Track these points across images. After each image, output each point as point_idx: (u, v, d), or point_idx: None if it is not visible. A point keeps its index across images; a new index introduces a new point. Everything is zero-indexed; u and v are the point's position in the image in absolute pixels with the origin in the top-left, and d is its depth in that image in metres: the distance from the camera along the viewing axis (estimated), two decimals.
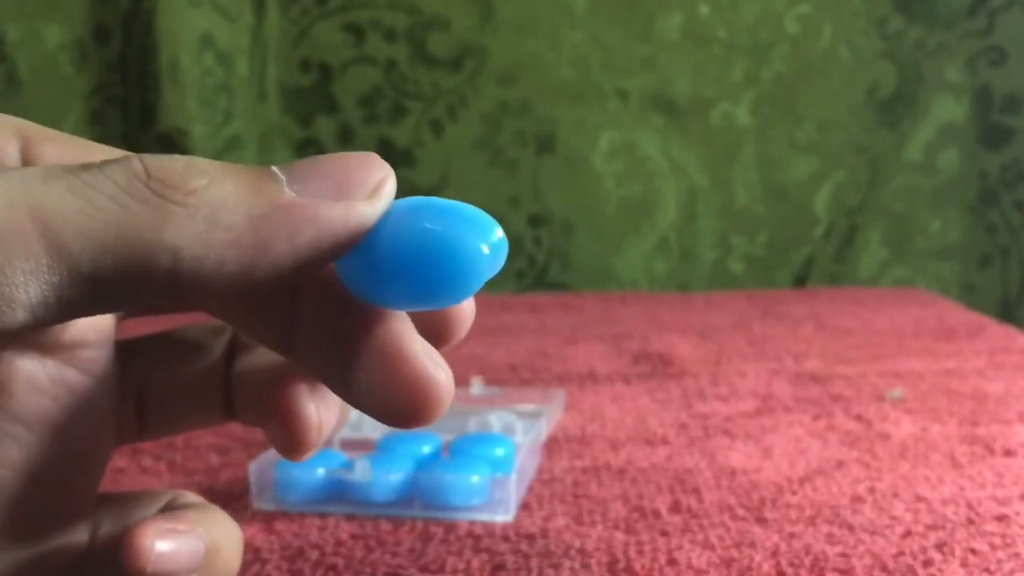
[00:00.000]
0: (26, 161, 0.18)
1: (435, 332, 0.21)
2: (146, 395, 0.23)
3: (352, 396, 0.18)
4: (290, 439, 0.21)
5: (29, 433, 0.20)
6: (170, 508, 0.23)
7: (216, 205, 0.15)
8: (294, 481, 0.35)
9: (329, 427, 0.22)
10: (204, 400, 0.23)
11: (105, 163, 0.15)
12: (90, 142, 0.19)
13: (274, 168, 0.16)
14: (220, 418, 0.23)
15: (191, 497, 0.23)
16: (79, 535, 0.22)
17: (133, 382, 0.22)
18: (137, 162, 0.15)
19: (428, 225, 0.16)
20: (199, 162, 0.16)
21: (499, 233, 0.17)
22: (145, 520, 0.20)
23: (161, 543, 0.20)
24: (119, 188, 0.15)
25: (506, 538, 0.32)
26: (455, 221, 0.16)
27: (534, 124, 0.94)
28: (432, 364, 0.17)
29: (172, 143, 0.88)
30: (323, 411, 0.21)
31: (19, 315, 0.14)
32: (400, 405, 0.17)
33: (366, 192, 0.16)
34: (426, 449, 0.38)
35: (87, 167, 0.15)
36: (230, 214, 0.15)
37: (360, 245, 0.17)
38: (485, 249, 0.16)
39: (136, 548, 0.20)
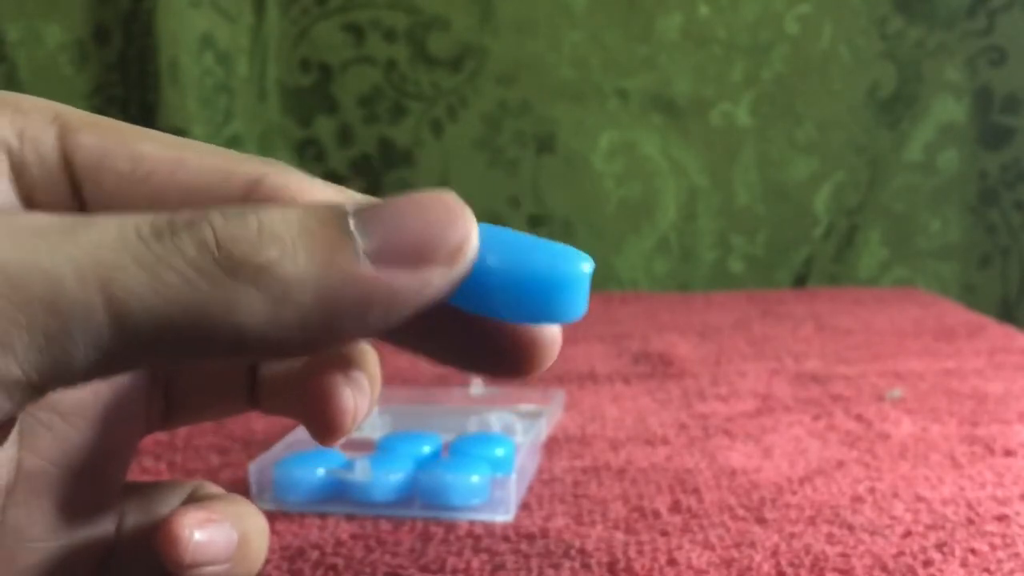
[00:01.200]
0: (63, 149, 0.18)
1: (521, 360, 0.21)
2: (174, 385, 0.23)
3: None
4: (326, 424, 0.21)
5: (64, 423, 0.20)
6: (194, 499, 0.23)
7: (287, 282, 0.14)
8: (294, 481, 0.35)
9: (363, 413, 0.22)
10: (230, 389, 0.23)
11: (176, 230, 0.14)
12: (125, 126, 0.19)
13: (350, 221, 0.15)
14: (243, 407, 0.23)
15: (213, 488, 0.23)
16: (107, 526, 0.22)
17: (162, 372, 0.23)
18: (208, 230, 0.14)
19: (530, 260, 0.17)
20: (273, 224, 0.15)
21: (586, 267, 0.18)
22: (180, 510, 0.20)
23: (199, 532, 0.20)
24: (189, 265, 0.14)
25: (506, 538, 0.32)
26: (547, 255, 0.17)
27: (534, 124, 0.94)
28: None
29: None
30: (358, 397, 0.21)
31: (76, 378, 0.14)
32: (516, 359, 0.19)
33: (447, 254, 0.16)
34: (426, 449, 0.38)
35: (158, 233, 0.14)
36: (300, 292, 0.15)
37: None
38: (585, 268, 0.17)
39: (174, 537, 0.19)
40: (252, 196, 0.18)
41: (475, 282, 0.16)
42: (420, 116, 0.94)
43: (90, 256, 0.14)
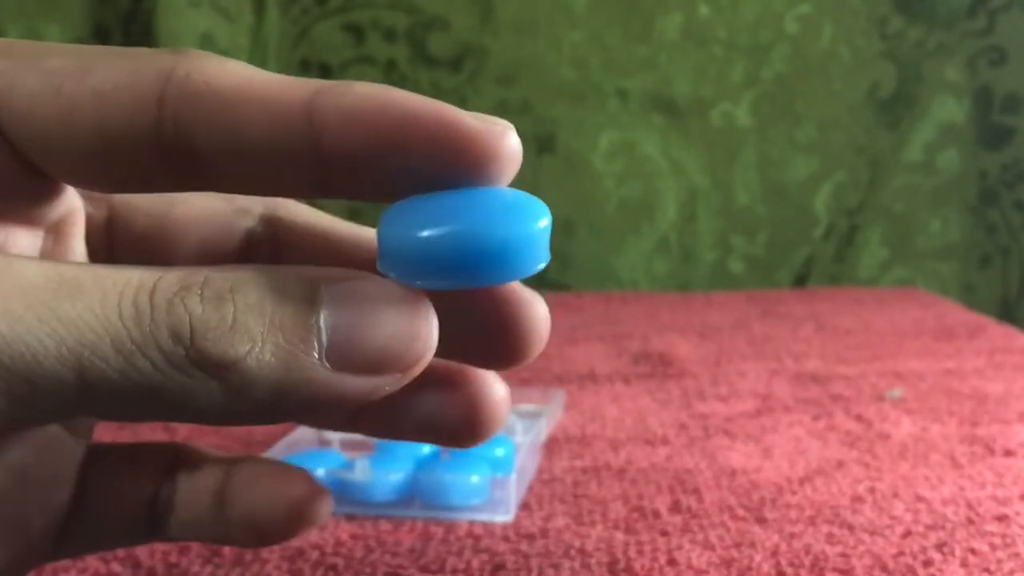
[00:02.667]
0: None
1: (504, 352, 0.20)
2: None
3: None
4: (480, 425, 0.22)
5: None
6: (183, 461, 0.22)
7: (248, 379, 0.15)
8: None
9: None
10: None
11: (155, 314, 0.15)
12: (27, 44, 0.18)
13: (321, 316, 0.15)
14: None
15: (198, 447, 0.23)
16: (63, 494, 0.21)
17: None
18: (185, 319, 0.15)
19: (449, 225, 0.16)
20: (247, 315, 0.15)
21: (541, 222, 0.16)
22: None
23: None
24: (161, 355, 0.15)
25: (506, 538, 0.32)
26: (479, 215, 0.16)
27: (534, 124, 0.94)
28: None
29: None
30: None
31: (25, 425, 0.16)
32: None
33: (404, 367, 0.16)
34: (426, 449, 0.38)
35: (139, 318, 0.15)
36: (259, 389, 0.15)
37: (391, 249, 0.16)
38: (541, 224, 0.16)
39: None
40: (165, 92, 0.17)
41: (416, 257, 0.16)
42: None
43: (72, 334, 0.14)
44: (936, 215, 0.95)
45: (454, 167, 0.16)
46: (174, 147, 0.17)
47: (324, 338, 0.15)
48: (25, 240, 0.19)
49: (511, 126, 0.17)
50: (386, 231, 0.16)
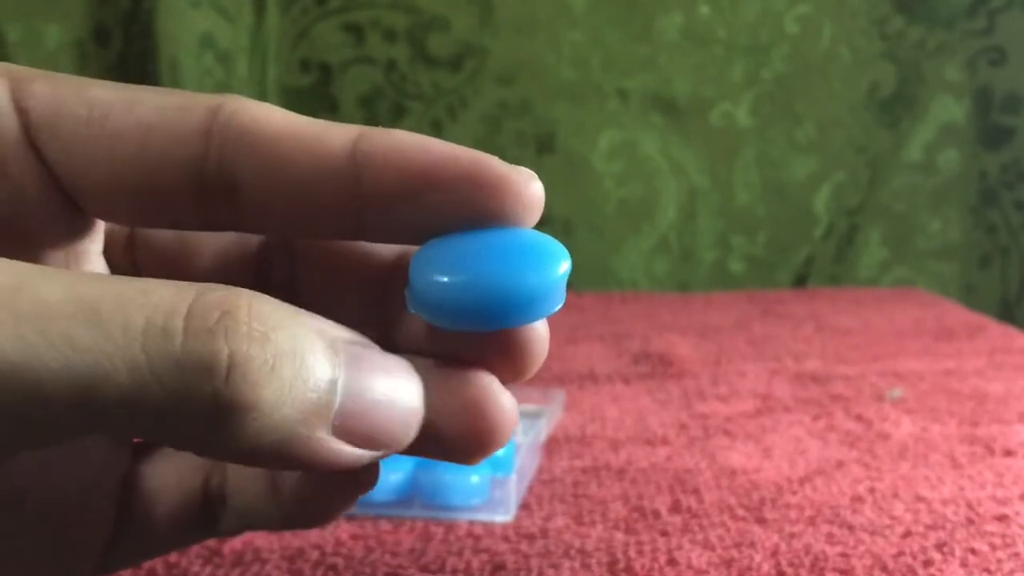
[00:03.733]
0: (17, 100, 0.18)
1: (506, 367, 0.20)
2: None
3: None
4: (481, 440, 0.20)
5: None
6: None
7: (263, 427, 0.15)
8: None
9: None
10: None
11: (187, 346, 0.14)
12: (76, 77, 0.18)
13: (340, 380, 0.15)
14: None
15: None
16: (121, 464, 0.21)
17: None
18: (224, 353, 0.14)
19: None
20: (284, 361, 0.15)
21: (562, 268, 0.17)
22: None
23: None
24: (185, 388, 0.14)
25: (506, 538, 0.32)
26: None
27: (534, 124, 0.94)
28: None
29: None
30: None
31: (34, 448, 0.15)
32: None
33: (392, 445, 0.16)
34: None
35: (165, 348, 0.14)
36: (266, 438, 0.15)
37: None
38: (561, 269, 0.17)
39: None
40: (212, 127, 0.17)
41: (442, 302, 0.17)
42: (420, 116, 0.94)
43: (85, 361, 0.14)
44: (936, 215, 0.95)
45: (483, 210, 0.17)
46: (216, 182, 0.17)
47: (336, 403, 0.15)
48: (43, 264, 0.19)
49: (535, 175, 0.18)
50: (417, 276, 0.17)
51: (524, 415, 0.43)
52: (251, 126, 0.17)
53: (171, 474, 0.21)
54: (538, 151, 0.94)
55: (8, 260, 0.14)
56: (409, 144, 0.17)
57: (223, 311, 0.14)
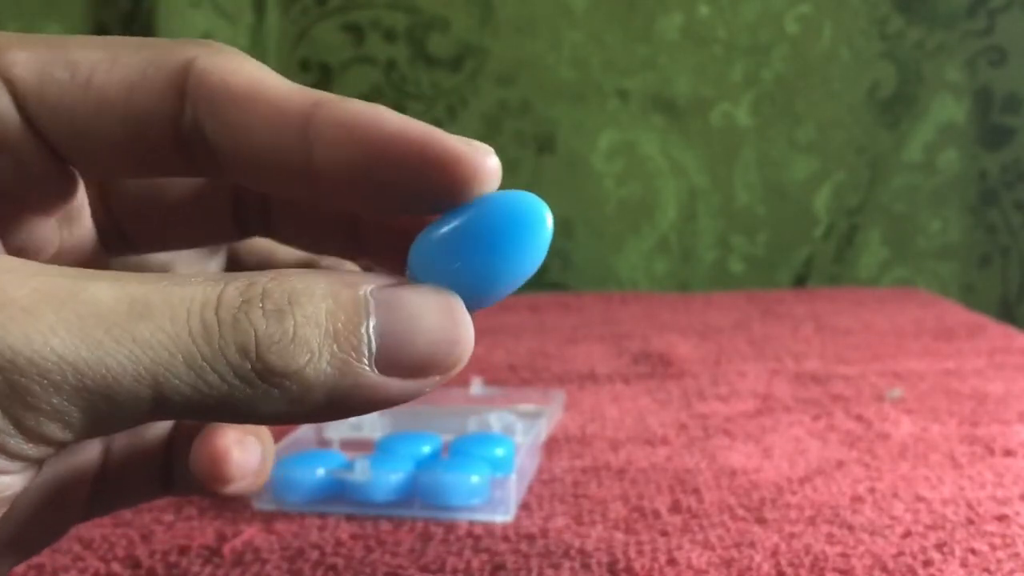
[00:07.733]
0: (1, 71, 0.18)
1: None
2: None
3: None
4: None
5: None
6: (187, 424, 0.24)
7: (307, 387, 0.16)
8: (294, 481, 0.35)
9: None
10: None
11: (223, 330, 0.15)
12: (54, 37, 0.19)
13: (371, 324, 0.16)
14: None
15: None
16: (93, 453, 0.23)
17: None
18: (251, 333, 0.15)
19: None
20: (306, 328, 0.16)
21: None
22: (217, 430, 0.22)
23: (238, 449, 0.21)
24: (230, 368, 0.15)
25: (506, 538, 0.32)
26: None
27: (534, 124, 0.94)
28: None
29: None
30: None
31: (99, 436, 0.16)
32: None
33: (444, 369, 0.17)
34: (426, 449, 0.38)
35: (208, 334, 0.15)
36: (316, 394, 0.16)
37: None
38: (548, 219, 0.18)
39: (220, 456, 0.21)
40: (184, 86, 0.18)
41: (444, 249, 0.18)
42: (420, 116, 0.93)
43: (148, 354, 0.15)
44: (936, 215, 0.95)
45: (439, 185, 0.17)
46: (193, 136, 0.18)
47: (373, 345, 0.16)
48: (42, 231, 0.20)
49: (491, 150, 0.18)
50: (416, 265, 0.18)
51: (524, 415, 0.43)
52: (219, 87, 0.18)
53: (139, 440, 0.24)
54: (538, 151, 0.94)
55: (48, 265, 0.16)
56: (362, 118, 0.17)
57: (244, 299, 0.16)
